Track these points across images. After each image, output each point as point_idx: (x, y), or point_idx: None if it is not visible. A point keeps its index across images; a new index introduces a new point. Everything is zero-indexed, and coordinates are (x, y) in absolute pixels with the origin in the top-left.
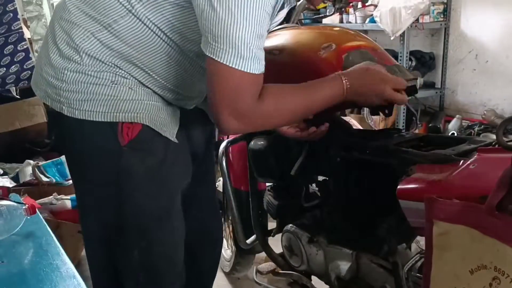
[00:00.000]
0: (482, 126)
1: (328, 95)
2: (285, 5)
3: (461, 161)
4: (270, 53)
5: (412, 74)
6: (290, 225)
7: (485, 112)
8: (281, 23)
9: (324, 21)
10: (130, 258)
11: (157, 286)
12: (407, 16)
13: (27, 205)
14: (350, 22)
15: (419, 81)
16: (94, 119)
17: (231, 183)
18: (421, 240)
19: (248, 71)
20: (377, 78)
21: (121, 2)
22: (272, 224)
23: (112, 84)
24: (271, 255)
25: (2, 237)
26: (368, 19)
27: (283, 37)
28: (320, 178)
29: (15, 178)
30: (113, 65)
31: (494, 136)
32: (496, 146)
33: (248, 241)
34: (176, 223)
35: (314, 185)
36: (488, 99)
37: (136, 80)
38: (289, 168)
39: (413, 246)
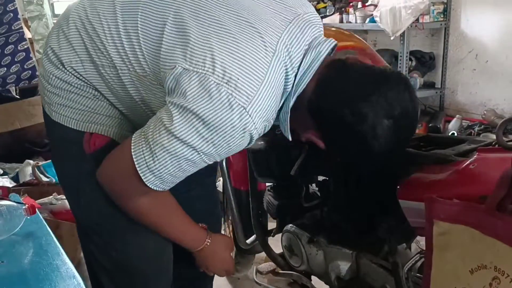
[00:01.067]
0: (482, 126)
1: (187, 238)
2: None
3: (461, 161)
4: None
5: None
6: (290, 225)
7: (485, 112)
8: None
9: (324, 21)
10: (106, 259)
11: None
12: (407, 16)
13: (27, 205)
14: (350, 22)
15: (419, 81)
16: (67, 125)
17: (231, 183)
18: (421, 240)
19: (151, 185)
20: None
21: (115, 62)
22: (272, 224)
23: (94, 97)
24: (271, 255)
25: (2, 237)
26: (368, 19)
27: None
28: (320, 178)
29: (15, 178)
30: (94, 88)
31: (494, 136)
32: (496, 146)
33: (248, 241)
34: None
35: (314, 185)
36: (488, 99)
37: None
38: (289, 168)
39: (413, 246)
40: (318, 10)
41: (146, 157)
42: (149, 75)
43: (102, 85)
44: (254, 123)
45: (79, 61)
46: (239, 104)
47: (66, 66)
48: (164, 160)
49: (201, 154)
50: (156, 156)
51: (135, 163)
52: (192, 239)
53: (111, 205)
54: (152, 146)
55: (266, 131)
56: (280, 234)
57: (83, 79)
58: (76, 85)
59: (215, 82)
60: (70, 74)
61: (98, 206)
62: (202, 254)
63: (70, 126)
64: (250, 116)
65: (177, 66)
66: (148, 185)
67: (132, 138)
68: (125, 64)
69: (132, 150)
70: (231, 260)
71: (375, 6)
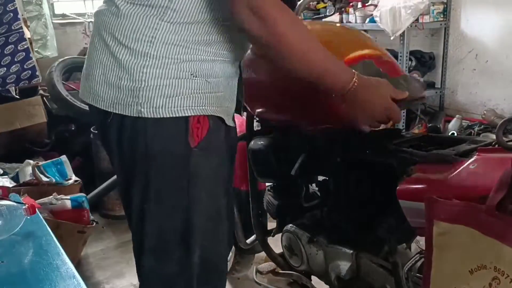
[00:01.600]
0: (482, 126)
1: (333, 73)
2: None
3: (461, 161)
4: None
5: (419, 87)
6: (290, 225)
7: (485, 112)
8: None
9: (324, 21)
10: (189, 260)
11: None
12: (407, 16)
13: (27, 205)
14: (350, 22)
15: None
16: (176, 115)
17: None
18: (421, 240)
19: None
20: (383, 91)
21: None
22: (272, 224)
23: (192, 76)
24: (271, 255)
25: (2, 237)
26: (368, 19)
27: None
28: (320, 178)
29: (15, 178)
30: (191, 48)
31: (494, 136)
32: (496, 146)
33: (248, 241)
34: (226, 220)
35: (314, 185)
36: (488, 99)
37: (213, 60)
38: (289, 168)
39: (413, 246)
40: (318, 10)
41: None
42: None
43: (187, 24)
44: None
45: (161, 23)
46: None
47: (154, 41)
48: None
49: None
50: None
51: None
52: (342, 69)
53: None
54: None
55: None
56: (280, 234)
57: (179, 44)
58: (173, 67)
59: None
60: (162, 49)
61: (203, 205)
62: (349, 97)
63: (179, 115)
64: None
65: None
66: None
67: None
68: None
69: None
70: (388, 105)
71: (375, 6)
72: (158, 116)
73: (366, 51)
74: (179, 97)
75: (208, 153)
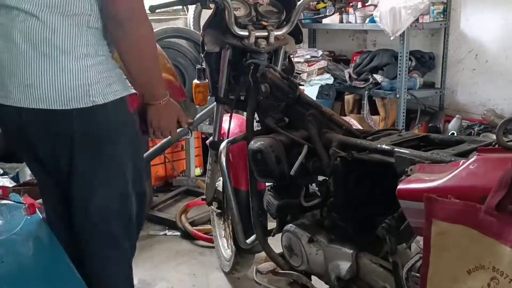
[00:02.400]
0: (482, 126)
1: (159, 83)
2: None
3: (461, 161)
4: None
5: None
6: (290, 224)
7: (485, 112)
8: (280, 22)
9: (324, 21)
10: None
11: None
12: (407, 16)
13: (27, 205)
14: (350, 22)
15: (419, 81)
16: (119, 96)
17: (231, 183)
18: (421, 240)
19: None
20: (174, 112)
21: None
22: (272, 224)
23: (114, 67)
24: (271, 255)
25: (2, 237)
26: (368, 19)
27: None
28: (320, 178)
29: (15, 178)
30: (106, 47)
31: (494, 136)
32: (496, 146)
33: (248, 241)
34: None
35: (314, 185)
36: (488, 99)
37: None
38: (289, 168)
39: (413, 246)
40: (318, 10)
41: None
42: None
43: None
44: None
45: (86, 30)
46: None
47: (88, 47)
48: None
49: None
50: None
51: None
52: (162, 87)
53: None
54: None
55: None
56: (280, 234)
57: (101, 47)
58: (103, 62)
59: None
60: (94, 51)
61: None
62: (160, 108)
63: (121, 96)
64: None
65: None
66: None
67: None
68: None
69: None
70: (175, 124)
71: (375, 6)
72: (107, 101)
73: (164, 74)
74: (115, 83)
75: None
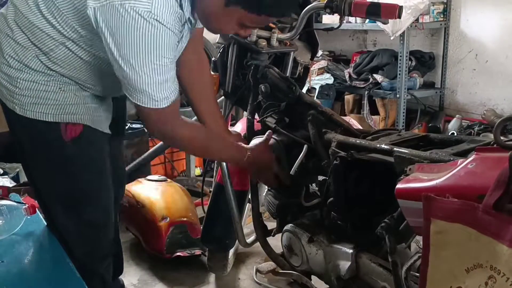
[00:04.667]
0: (482, 126)
1: (228, 157)
2: (186, 27)
3: (459, 161)
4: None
5: None
6: (290, 224)
7: (484, 112)
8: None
9: (324, 21)
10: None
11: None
12: (407, 16)
13: (27, 205)
14: (350, 22)
15: (419, 81)
16: (44, 119)
17: (231, 183)
18: (420, 240)
19: (162, 106)
20: (268, 160)
21: (53, 37)
22: (272, 224)
23: (60, 91)
24: (271, 255)
25: (2, 237)
26: (368, 19)
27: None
28: (320, 178)
29: (15, 178)
30: (58, 75)
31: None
32: (495, 145)
33: (248, 241)
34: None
35: (314, 185)
36: (488, 99)
37: (77, 86)
38: (289, 168)
39: (413, 245)
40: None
41: (142, 98)
42: (81, 32)
43: (59, 68)
44: (163, 18)
45: (37, 60)
46: (144, 10)
47: (29, 68)
48: (147, 88)
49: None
50: (142, 90)
51: (146, 106)
52: (232, 154)
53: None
54: (135, 90)
55: (182, 21)
56: (280, 234)
57: (48, 73)
58: (42, 82)
59: (118, 3)
60: (35, 73)
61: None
62: (246, 165)
63: (46, 120)
64: (155, 14)
65: (88, 7)
66: (166, 105)
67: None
68: (61, 33)
69: (137, 104)
70: (268, 177)
71: None
72: (27, 116)
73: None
74: (46, 106)
75: (82, 146)
